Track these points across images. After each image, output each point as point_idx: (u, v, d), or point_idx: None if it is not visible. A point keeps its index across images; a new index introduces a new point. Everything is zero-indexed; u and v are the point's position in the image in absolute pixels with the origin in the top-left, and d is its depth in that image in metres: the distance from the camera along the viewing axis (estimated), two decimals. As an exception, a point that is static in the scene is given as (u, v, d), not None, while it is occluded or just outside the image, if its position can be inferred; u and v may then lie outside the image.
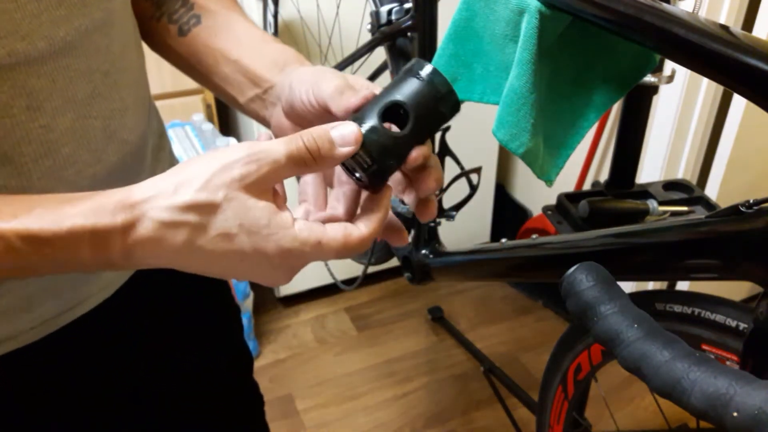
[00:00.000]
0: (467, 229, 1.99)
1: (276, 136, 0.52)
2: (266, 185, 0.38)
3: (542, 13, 0.63)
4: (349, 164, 0.42)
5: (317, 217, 0.45)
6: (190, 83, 1.66)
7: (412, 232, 1.07)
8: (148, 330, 0.65)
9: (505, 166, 2.10)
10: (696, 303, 0.64)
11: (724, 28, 0.48)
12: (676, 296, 0.67)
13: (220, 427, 0.76)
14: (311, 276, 1.86)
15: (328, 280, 1.79)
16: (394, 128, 0.43)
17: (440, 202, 1.00)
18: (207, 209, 0.37)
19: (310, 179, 0.47)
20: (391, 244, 0.49)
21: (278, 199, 0.40)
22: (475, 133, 1.60)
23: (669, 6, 0.53)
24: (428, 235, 1.05)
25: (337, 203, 0.46)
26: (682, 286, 1.55)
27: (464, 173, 0.95)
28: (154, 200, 0.37)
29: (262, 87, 0.53)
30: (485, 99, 0.73)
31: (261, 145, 0.38)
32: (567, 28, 0.67)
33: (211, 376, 0.74)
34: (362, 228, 0.41)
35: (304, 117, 0.49)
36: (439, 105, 0.42)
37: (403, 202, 1.07)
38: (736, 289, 1.69)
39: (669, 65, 0.76)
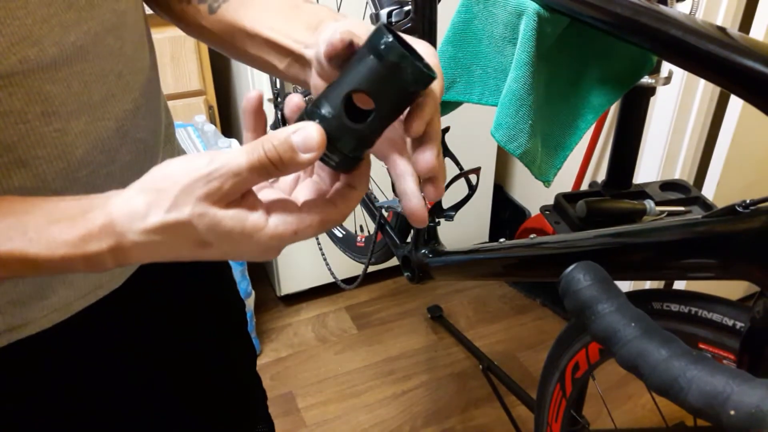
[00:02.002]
0: (466, 229, 1.99)
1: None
2: (230, 197, 0.38)
3: (540, 15, 0.64)
4: (322, 161, 0.41)
5: (307, 186, 0.45)
6: (192, 84, 1.67)
7: (412, 232, 1.07)
8: (154, 321, 0.65)
9: (503, 167, 2.10)
10: (693, 302, 0.65)
11: (721, 29, 0.48)
12: (673, 295, 0.67)
13: (225, 421, 0.76)
14: (312, 275, 1.87)
15: (329, 279, 1.79)
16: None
17: (439, 202, 1.01)
18: (179, 228, 0.37)
19: None
20: (428, 197, 0.47)
21: (248, 199, 0.39)
22: (473, 134, 1.61)
23: (666, 8, 0.53)
24: (427, 235, 1.05)
25: (321, 170, 0.46)
26: (679, 285, 1.56)
27: (463, 174, 0.95)
28: (130, 223, 0.38)
29: (297, 51, 0.51)
30: (484, 100, 0.74)
31: (222, 159, 0.37)
32: (565, 31, 0.68)
33: (216, 369, 0.74)
34: (341, 207, 0.41)
35: (333, 74, 0.47)
36: (403, 83, 0.38)
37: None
38: (732, 289, 1.69)
39: (666, 67, 0.76)
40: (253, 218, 0.39)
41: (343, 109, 0.39)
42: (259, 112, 0.43)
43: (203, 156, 0.38)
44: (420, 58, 0.40)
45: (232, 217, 0.38)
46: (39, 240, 0.38)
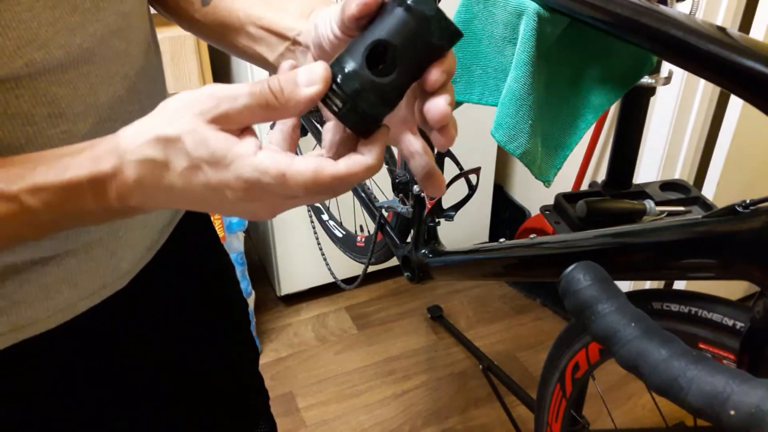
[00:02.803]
0: (466, 229, 1.99)
1: None
2: (227, 122, 0.38)
3: (540, 15, 0.64)
4: (327, 107, 0.39)
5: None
6: (192, 84, 1.67)
7: (412, 231, 1.07)
8: (158, 321, 0.66)
9: (503, 167, 2.10)
10: (693, 302, 0.65)
11: (721, 29, 0.48)
12: (673, 295, 0.67)
13: (227, 420, 0.76)
14: (312, 275, 1.87)
15: (329, 279, 1.79)
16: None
17: (439, 202, 1.01)
18: (169, 142, 0.37)
19: (330, 126, 0.43)
20: (428, 193, 0.46)
21: (245, 132, 0.39)
22: (473, 134, 1.61)
23: (666, 8, 0.53)
24: (427, 235, 1.05)
25: (341, 147, 0.43)
26: (679, 285, 1.56)
27: (463, 174, 0.95)
28: (132, 140, 0.38)
29: (290, 38, 0.51)
30: (484, 100, 0.74)
31: (226, 86, 0.38)
32: (565, 31, 0.68)
33: (218, 368, 0.74)
34: (340, 164, 0.38)
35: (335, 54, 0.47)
36: (431, 37, 0.37)
37: (403, 202, 1.07)
38: (732, 289, 1.69)
39: (666, 67, 0.76)
40: (241, 145, 0.38)
41: (364, 60, 0.37)
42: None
43: (207, 85, 0.39)
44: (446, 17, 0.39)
45: (220, 138, 0.37)
46: (48, 171, 0.39)
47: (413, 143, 0.43)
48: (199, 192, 0.39)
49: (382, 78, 0.38)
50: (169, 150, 0.38)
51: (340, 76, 0.38)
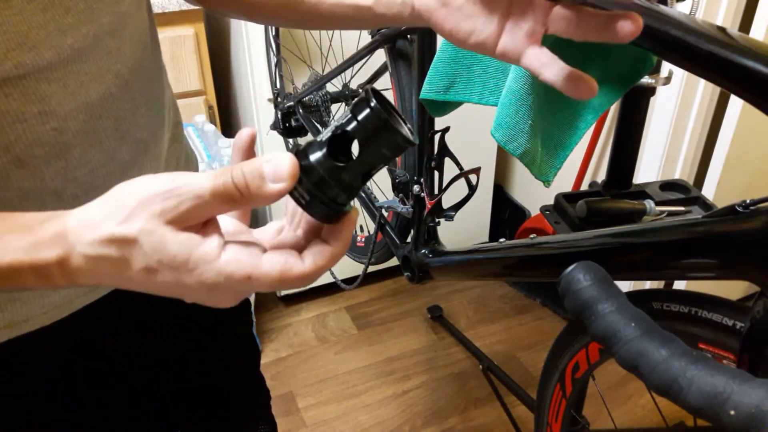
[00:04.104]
0: (466, 229, 1.99)
1: (431, 20, 0.49)
2: (188, 221, 0.35)
3: (541, 15, 0.63)
4: (293, 198, 0.38)
5: (285, 238, 0.41)
6: (192, 84, 1.67)
7: (412, 231, 1.07)
8: (157, 319, 0.65)
9: (503, 167, 2.10)
10: (693, 302, 0.65)
11: (721, 29, 0.48)
12: (673, 295, 0.67)
13: (228, 420, 0.76)
14: (311, 275, 1.87)
15: (329, 279, 1.79)
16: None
17: (439, 202, 1.01)
18: (125, 244, 0.35)
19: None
20: (580, 95, 0.44)
21: (208, 229, 0.37)
22: (473, 134, 1.61)
23: (666, 8, 0.53)
24: (427, 235, 1.05)
25: (306, 225, 0.42)
26: (679, 285, 1.56)
27: (463, 174, 0.95)
28: (82, 233, 0.36)
29: None
30: (484, 101, 0.74)
31: (186, 179, 0.35)
32: None
33: (220, 368, 0.74)
34: (307, 262, 0.37)
35: None
36: (386, 135, 0.37)
37: (403, 202, 1.06)
38: (732, 289, 1.69)
39: (666, 67, 0.76)
40: (204, 248, 0.35)
41: (328, 149, 0.37)
42: (249, 150, 0.41)
43: (169, 174, 0.36)
44: (403, 120, 0.39)
45: (180, 241, 0.35)
46: None
47: (541, 54, 0.43)
48: (159, 287, 0.37)
49: (346, 166, 0.37)
50: (124, 250, 0.35)
51: (305, 167, 0.37)
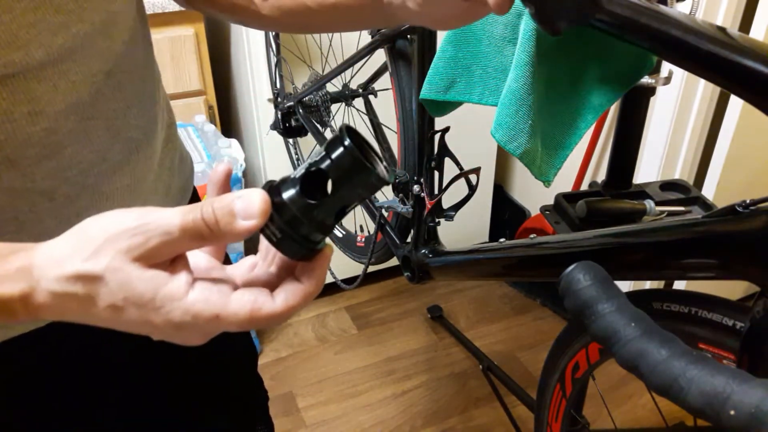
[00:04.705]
0: (466, 229, 1.99)
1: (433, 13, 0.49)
2: (156, 257, 0.35)
3: (541, 15, 0.63)
4: (264, 236, 0.37)
5: (258, 274, 0.41)
6: (192, 84, 1.67)
7: (412, 231, 1.07)
8: None
9: (503, 167, 2.10)
10: (693, 302, 0.65)
11: (721, 29, 0.48)
12: (673, 295, 0.67)
13: (225, 422, 0.76)
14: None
15: (329, 279, 1.79)
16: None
17: (439, 202, 1.01)
18: (91, 281, 0.34)
19: None
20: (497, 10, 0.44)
21: (176, 266, 0.36)
22: (473, 134, 1.61)
23: (666, 8, 0.53)
24: (427, 235, 1.05)
25: (280, 262, 0.41)
26: (679, 285, 1.56)
27: (463, 174, 0.95)
28: (48, 268, 0.35)
29: None
30: (484, 101, 0.74)
31: (154, 215, 0.34)
32: (565, 30, 0.68)
33: (217, 370, 0.74)
34: (278, 301, 0.36)
35: None
36: (359, 175, 0.37)
37: (403, 202, 1.06)
38: (732, 289, 1.69)
39: (666, 67, 0.77)
40: (172, 286, 0.35)
41: (300, 186, 0.37)
42: (224, 185, 0.40)
43: (138, 210, 0.35)
44: (379, 158, 0.39)
45: (147, 278, 0.34)
46: None
47: None
48: (125, 325, 0.36)
49: (319, 204, 0.37)
50: (90, 287, 0.34)
51: (276, 205, 0.36)
